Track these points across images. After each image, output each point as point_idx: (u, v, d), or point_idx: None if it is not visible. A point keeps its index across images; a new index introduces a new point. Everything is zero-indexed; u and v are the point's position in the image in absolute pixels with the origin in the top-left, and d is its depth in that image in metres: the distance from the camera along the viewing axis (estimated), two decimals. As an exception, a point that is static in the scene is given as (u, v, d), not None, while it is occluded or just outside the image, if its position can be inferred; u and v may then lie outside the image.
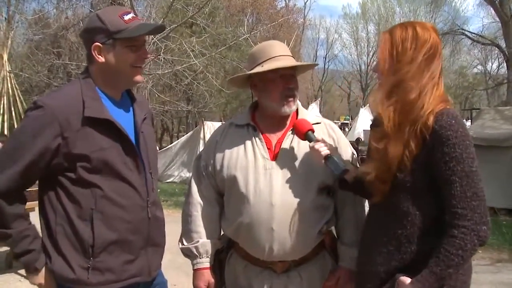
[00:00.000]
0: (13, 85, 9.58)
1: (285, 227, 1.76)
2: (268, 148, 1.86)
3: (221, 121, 16.36)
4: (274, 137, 1.90)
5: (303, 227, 1.78)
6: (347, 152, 1.93)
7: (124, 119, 1.68)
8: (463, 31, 22.70)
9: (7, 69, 9.55)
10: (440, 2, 31.46)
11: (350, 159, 1.91)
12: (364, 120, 17.79)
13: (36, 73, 11.63)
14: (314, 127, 1.86)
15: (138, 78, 1.71)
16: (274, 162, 1.83)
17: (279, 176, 1.80)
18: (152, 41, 8.21)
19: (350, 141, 2.12)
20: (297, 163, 1.82)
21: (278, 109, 1.86)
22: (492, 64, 35.07)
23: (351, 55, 44.26)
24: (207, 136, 10.92)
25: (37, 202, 1.65)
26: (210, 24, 11.02)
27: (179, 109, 13.61)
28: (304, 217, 1.78)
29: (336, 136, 1.94)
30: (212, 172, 1.92)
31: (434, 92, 1.49)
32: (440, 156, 1.42)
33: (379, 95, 1.54)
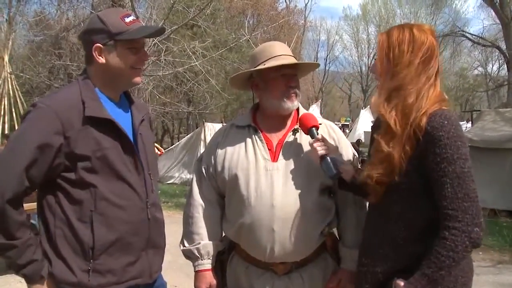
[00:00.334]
0: (14, 86, 9.60)
1: (286, 229, 1.76)
2: (269, 149, 1.86)
3: (221, 122, 16.35)
4: (275, 138, 1.90)
5: (304, 228, 1.78)
6: (348, 153, 1.93)
7: (122, 120, 1.68)
8: (464, 33, 22.73)
9: (8, 70, 9.57)
10: (441, 4, 31.52)
11: (351, 160, 1.92)
12: (364, 121, 17.83)
13: (37, 74, 11.63)
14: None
15: (138, 79, 1.72)
16: (275, 163, 1.83)
17: (280, 177, 1.80)
18: (153, 42, 8.22)
19: (351, 143, 2.12)
20: (298, 164, 1.82)
21: (279, 105, 1.86)
22: (492, 66, 35.15)
23: (351, 57, 44.41)
24: (208, 138, 10.93)
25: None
26: (211, 26, 11.03)
27: (180, 110, 13.63)
28: (305, 218, 1.78)
29: (337, 137, 1.95)
30: (213, 173, 1.92)
31: (431, 94, 1.49)
32: (432, 157, 1.42)
33: (380, 99, 1.55)
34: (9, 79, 9.57)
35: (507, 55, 19.03)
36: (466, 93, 35.56)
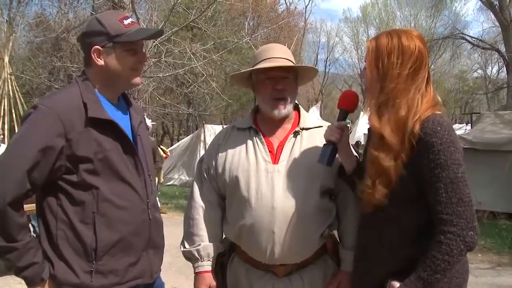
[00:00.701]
0: (14, 87, 9.59)
1: (286, 231, 1.77)
2: (270, 151, 1.87)
3: (221, 124, 16.35)
4: (276, 140, 1.90)
5: (305, 230, 1.79)
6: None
7: (122, 122, 1.69)
8: (463, 35, 22.73)
9: (8, 71, 9.56)
10: (441, 7, 31.50)
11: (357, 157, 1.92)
12: (364, 123, 17.80)
13: (37, 75, 11.66)
14: (315, 131, 1.88)
15: (137, 81, 1.73)
16: (276, 166, 1.83)
17: (281, 179, 1.80)
18: (154, 44, 8.24)
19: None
20: (299, 167, 1.82)
21: (269, 112, 1.87)
22: (492, 68, 35.11)
23: (351, 59, 44.25)
24: (208, 139, 10.94)
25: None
26: (212, 28, 11.05)
27: (180, 112, 13.64)
28: (306, 220, 1.78)
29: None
30: (214, 175, 1.93)
31: (423, 101, 1.50)
32: (426, 162, 1.44)
33: (371, 112, 1.56)
34: (9, 80, 9.56)
35: (507, 58, 19.03)
36: (465, 96, 35.52)
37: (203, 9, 9.10)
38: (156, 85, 11.08)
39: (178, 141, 17.79)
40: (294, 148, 1.87)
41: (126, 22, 1.65)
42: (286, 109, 1.87)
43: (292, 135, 1.90)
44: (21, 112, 9.24)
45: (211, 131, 11.75)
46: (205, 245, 1.91)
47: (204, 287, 1.92)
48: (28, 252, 1.51)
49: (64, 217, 1.57)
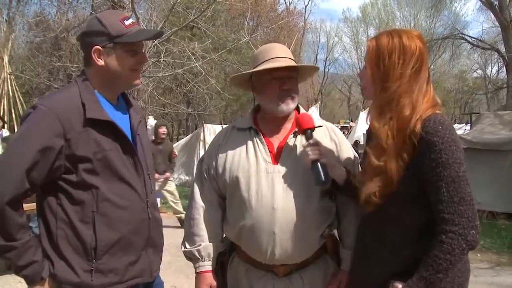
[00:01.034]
0: (14, 87, 9.60)
1: (287, 231, 1.77)
2: (270, 152, 1.87)
3: (221, 124, 16.35)
4: (276, 141, 1.90)
5: (305, 230, 1.79)
6: (349, 155, 1.94)
7: (121, 122, 1.69)
8: (463, 35, 22.75)
9: (8, 71, 9.57)
10: (440, 7, 31.50)
11: (352, 163, 1.92)
12: (364, 123, 17.79)
13: (37, 75, 11.65)
14: (317, 130, 1.87)
15: (137, 81, 1.73)
16: (276, 166, 1.83)
17: (281, 179, 1.80)
18: (153, 44, 8.23)
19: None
20: (299, 167, 1.82)
21: (275, 109, 1.87)
22: (491, 68, 35.15)
23: (351, 59, 44.29)
24: (207, 139, 10.94)
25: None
26: (211, 28, 11.05)
27: (179, 111, 13.63)
28: (306, 220, 1.78)
29: (338, 140, 1.95)
30: (214, 175, 1.93)
31: (424, 101, 1.50)
32: (427, 162, 1.44)
33: (372, 113, 1.56)
34: (8, 80, 9.57)
35: (506, 58, 19.05)
36: (465, 96, 35.55)
37: (202, 9, 9.09)
38: (156, 85, 11.08)
39: (177, 141, 17.79)
40: (294, 149, 1.87)
41: (127, 22, 1.65)
42: (293, 104, 1.88)
43: (292, 135, 1.90)
44: (21, 112, 9.25)
45: (211, 130, 11.74)
46: (206, 245, 1.92)
47: (205, 287, 1.92)
48: (27, 250, 1.52)
49: (64, 216, 1.57)
